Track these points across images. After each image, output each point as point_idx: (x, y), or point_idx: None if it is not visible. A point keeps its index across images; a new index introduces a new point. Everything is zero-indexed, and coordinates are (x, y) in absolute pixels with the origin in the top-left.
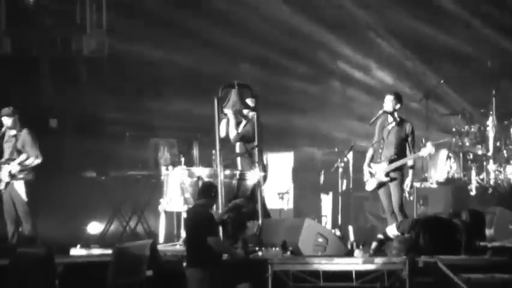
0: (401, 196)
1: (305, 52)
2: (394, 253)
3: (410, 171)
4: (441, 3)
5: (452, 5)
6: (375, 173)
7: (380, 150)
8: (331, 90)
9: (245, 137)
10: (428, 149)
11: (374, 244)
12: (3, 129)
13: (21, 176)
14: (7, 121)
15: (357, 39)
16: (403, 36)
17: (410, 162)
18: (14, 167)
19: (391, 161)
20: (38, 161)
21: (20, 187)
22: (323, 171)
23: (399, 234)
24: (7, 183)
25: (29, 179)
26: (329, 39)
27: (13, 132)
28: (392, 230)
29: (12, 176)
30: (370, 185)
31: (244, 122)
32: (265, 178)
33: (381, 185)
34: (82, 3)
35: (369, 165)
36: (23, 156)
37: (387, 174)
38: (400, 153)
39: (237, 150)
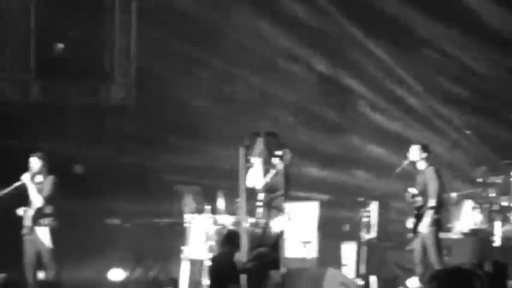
0: (433, 245)
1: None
2: None
3: (430, 212)
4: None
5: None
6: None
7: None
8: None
9: (272, 187)
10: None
11: None
12: (30, 174)
13: (46, 222)
14: (36, 163)
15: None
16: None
17: (431, 203)
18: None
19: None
20: (39, 204)
21: (44, 234)
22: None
23: (421, 285)
24: (31, 228)
25: (53, 226)
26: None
27: (39, 178)
28: (413, 282)
29: (36, 222)
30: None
31: (272, 171)
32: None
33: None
34: (111, 51)
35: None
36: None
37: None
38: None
39: (261, 197)
